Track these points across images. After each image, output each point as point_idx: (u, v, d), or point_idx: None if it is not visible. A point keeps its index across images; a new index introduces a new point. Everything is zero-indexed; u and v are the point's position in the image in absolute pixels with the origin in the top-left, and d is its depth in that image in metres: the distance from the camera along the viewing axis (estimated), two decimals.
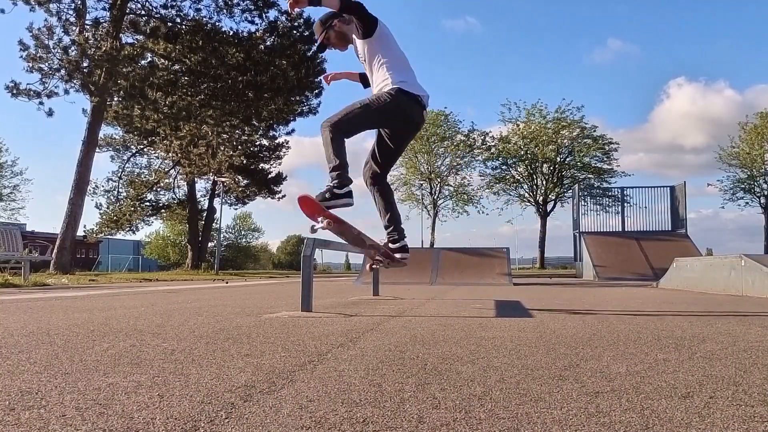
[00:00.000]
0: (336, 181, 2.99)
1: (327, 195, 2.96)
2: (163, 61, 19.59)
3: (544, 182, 37.49)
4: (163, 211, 30.61)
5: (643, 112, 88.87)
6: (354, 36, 3.21)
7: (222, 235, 36.07)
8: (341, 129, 3.08)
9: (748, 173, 35.89)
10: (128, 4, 18.17)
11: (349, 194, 3.02)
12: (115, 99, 19.33)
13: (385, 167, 3.38)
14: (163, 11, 19.10)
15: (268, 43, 20.23)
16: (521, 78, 79.71)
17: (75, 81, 17.04)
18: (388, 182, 3.45)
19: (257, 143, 28.77)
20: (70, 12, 17.46)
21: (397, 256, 3.38)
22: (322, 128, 3.09)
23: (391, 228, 3.38)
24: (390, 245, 3.39)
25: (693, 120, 75.02)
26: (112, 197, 28.13)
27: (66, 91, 17.39)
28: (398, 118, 3.15)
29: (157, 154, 29.66)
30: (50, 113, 17.74)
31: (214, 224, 31.05)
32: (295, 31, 20.41)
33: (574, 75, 76.86)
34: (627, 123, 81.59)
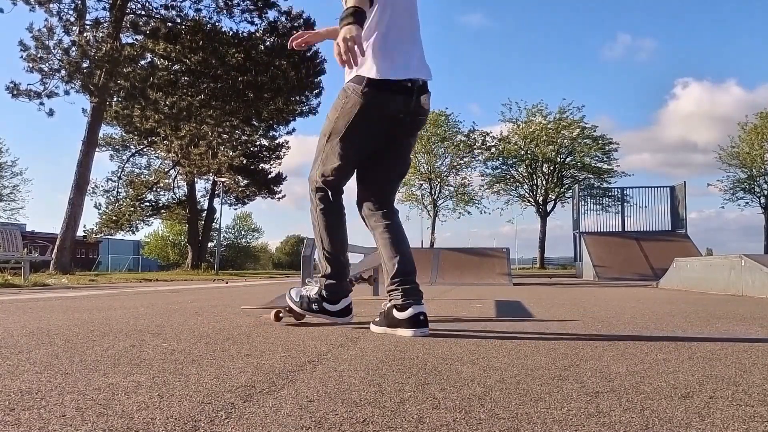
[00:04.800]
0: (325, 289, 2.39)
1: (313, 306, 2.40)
2: (163, 61, 19.61)
3: (544, 182, 37.52)
4: (162, 211, 30.60)
5: (652, 111, 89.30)
6: None
7: (222, 235, 36.08)
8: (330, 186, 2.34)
9: (748, 173, 35.89)
10: (128, 5, 18.19)
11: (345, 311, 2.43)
12: (116, 99, 19.34)
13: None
14: (163, 11, 19.13)
15: (268, 43, 20.24)
16: (529, 76, 79.89)
17: (75, 82, 17.05)
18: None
19: (257, 143, 28.78)
20: (71, 12, 17.48)
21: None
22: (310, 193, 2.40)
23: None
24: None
25: (702, 119, 75.24)
26: (111, 197, 28.14)
27: (66, 92, 17.43)
28: (374, 120, 2.26)
29: (157, 154, 29.68)
30: (51, 113, 17.77)
31: (214, 224, 31.05)
32: (294, 32, 20.40)
33: (583, 74, 77.09)
34: (636, 122, 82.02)
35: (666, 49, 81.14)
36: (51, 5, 17.05)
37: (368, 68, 2.22)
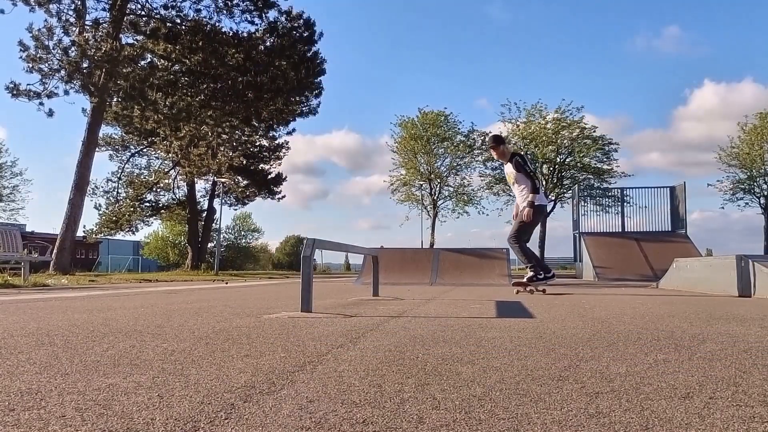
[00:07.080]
0: (541, 271, 5.84)
1: (535, 278, 5.86)
2: (163, 61, 19.59)
3: (544, 183, 37.47)
4: (162, 211, 30.58)
5: (668, 111, 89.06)
6: (507, 167, 6.20)
7: (222, 236, 36.07)
8: (520, 239, 5.88)
9: (748, 174, 35.87)
10: (128, 5, 18.17)
11: (553, 275, 5.93)
12: (115, 99, 19.33)
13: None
14: (163, 11, 19.11)
15: (268, 43, 20.24)
16: (537, 75, 79.62)
17: (75, 82, 17.03)
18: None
19: (257, 144, 28.78)
20: (70, 12, 17.45)
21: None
22: (509, 243, 6.03)
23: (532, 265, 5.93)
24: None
25: (718, 118, 74.94)
26: (111, 198, 28.11)
27: (66, 92, 17.39)
28: (537, 219, 5.98)
29: (156, 155, 29.65)
30: (50, 114, 17.74)
31: (213, 225, 31.04)
32: (294, 32, 20.42)
33: (601, 73, 76.90)
34: (651, 122, 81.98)
35: (683, 48, 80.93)
36: (51, 5, 17.03)
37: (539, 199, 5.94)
